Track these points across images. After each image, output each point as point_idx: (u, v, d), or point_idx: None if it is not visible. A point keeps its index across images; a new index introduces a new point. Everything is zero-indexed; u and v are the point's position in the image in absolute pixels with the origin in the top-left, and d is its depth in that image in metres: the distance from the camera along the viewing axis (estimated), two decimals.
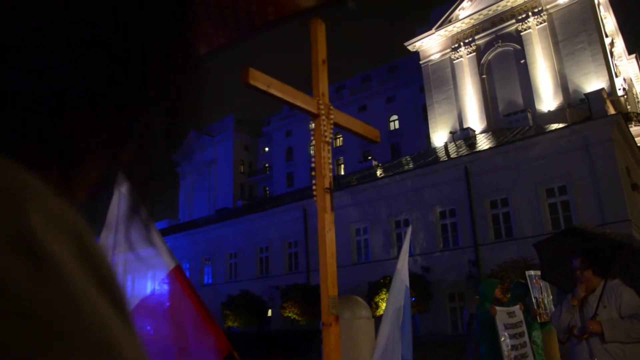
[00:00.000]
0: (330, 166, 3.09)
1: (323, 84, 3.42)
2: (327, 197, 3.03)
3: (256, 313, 30.74)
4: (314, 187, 3.11)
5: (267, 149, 66.12)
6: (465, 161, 26.66)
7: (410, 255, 23.26)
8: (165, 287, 2.91)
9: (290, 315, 27.87)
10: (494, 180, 25.10)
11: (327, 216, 3.03)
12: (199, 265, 40.30)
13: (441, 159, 29.23)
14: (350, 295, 5.54)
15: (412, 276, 24.03)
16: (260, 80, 2.98)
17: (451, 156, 28.79)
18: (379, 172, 32.31)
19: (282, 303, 28.33)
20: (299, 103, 3.19)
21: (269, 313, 32.30)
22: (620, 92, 37.31)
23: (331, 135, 3.19)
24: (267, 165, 65.83)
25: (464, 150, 29.03)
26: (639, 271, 4.16)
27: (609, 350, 3.80)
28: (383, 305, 20.23)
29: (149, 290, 3.03)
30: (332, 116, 3.30)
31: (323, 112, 3.27)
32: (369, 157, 39.52)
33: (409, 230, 3.70)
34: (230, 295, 31.56)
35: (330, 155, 3.09)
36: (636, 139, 29.54)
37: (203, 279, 39.99)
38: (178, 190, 70.24)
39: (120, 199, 1.44)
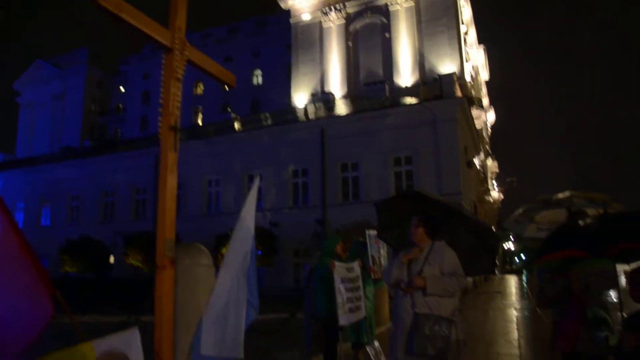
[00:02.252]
0: (179, 105, 2.94)
1: (180, 18, 3.22)
2: (172, 136, 2.88)
3: (97, 259, 29.22)
4: (160, 125, 2.95)
5: (122, 89, 61.86)
6: (322, 124, 27.32)
7: (260, 210, 23.45)
8: None
9: (133, 262, 26.92)
10: (348, 145, 26.09)
11: (170, 156, 2.89)
12: (36, 206, 37.34)
13: (300, 119, 29.66)
14: (192, 242, 5.43)
15: (260, 231, 24.43)
16: (111, 2, 2.73)
17: (309, 117, 29.33)
18: (237, 125, 31.95)
19: (125, 250, 27.25)
20: (152, 33, 2.98)
21: (111, 260, 30.95)
22: (468, 78, 40.31)
23: (183, 72, 3.02)
24: (120, 106, 61.72)
25: (322, 113, 29.68)
26: (465, 235, 4.58)
27: (428, 302, 4.17)
28: None
29: None
30: (186, 52, 3.12)
31: (177, 46, 3.08)
32: (229, 109, 38.85)
33: (257, 179, 3.67)
34: (69, 239, 29.64)
35: (179, 93, 2.93)
36: (475, 121, 32.31)
37: (40, 221, 37.16)
38: (16, 122, 63.88)
39: None
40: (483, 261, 4.58)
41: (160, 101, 2.93)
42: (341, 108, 30.23)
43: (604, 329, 3.67)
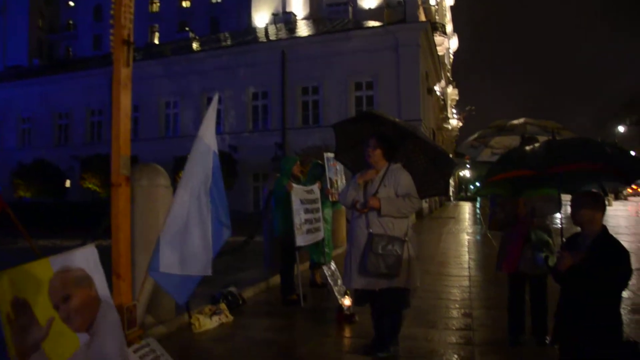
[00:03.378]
0: (131, 17, 2.81)
1: None
2: (125, 50, 2.78)
3: (52, 184, 28.60)
4: (112, 39, 2.83)
5: (71, 3, 58.32)
6: (283, 45, 26.71)
7: (219, 133, 23.10)
8: None
9: (90, 186, 26.53)
10: (309, 68, 25.69)
11: (124, 71, 2.80)
12: None
13: (260, 40, 28.87)
14: (149, 163, 5.38)
15: (219, 154, 24.09)
16: None
17: (270, 38, 28.59)
18: (195, 45, 30.92)
19: (81, 174, 26.75)
20: None
21: (67, 184, 30.37)
22: (432, 2, 39.70)
23: None
24: (71, 22, 58.36)
25: (283, 35, 28.94)
26: (420, 158, 4.68)
27: (382, 222, 4.30)
28: None
29: None
30: None
31: None
32: (187, 28, 37.32)
33: (216, 97, 3.59)
34: (22, 163, 28.80)
35: (132, 4, 2.80)
36: (437, 47, 32.12)
37: None
38: None
39: None
40: (437, 184, 4.71)
41: (112, 12, 2.80)
42: (303, 29, 29.50)
43: (545, 251, 3.89)
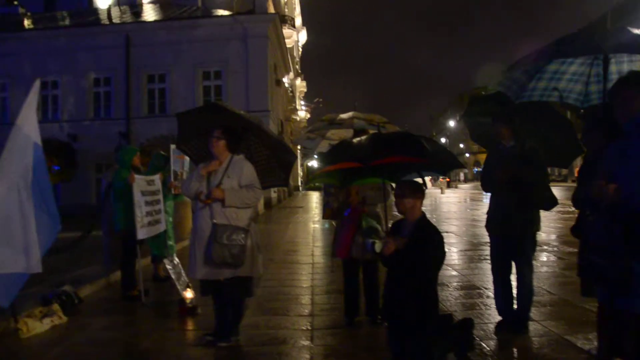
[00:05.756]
0: None
1: None
2: None
3: None
4: None
5: None
6: (127, 29, 25.31)
7: (56, 120, 21.39)
8: None
9: None
10: (155, 55, 24.66)
11: None
12: None
13: (102, 22, 27.08)
14: None
15: (57, 144, 22.44)
16: None
17: (114, 21, 26.94)
18: (27, 23, 28.15)
19: None
20: None
21: None
22: None
23: None
24: None
25: (128, 18, 27.44)
26: (263, 150, 4.80)
27: (226, 213, 4.38)
28: None
29: None
30: None
31: None
32: (15, 3, 33.81)
33: (37, 82, 3.36)
34: None
35: None
36: (286, 40, 32.67)
37: None
38: None
39: None
40: (278, 175, 4.87)
41: None
42: (149, 14, 28.19)
43: (374, 237, 4.20)
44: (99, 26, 26.18)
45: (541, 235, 11.31)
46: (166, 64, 24.70)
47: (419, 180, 3.77)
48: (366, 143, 3.61)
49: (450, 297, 6.35)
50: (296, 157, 5.29)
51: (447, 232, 13.31)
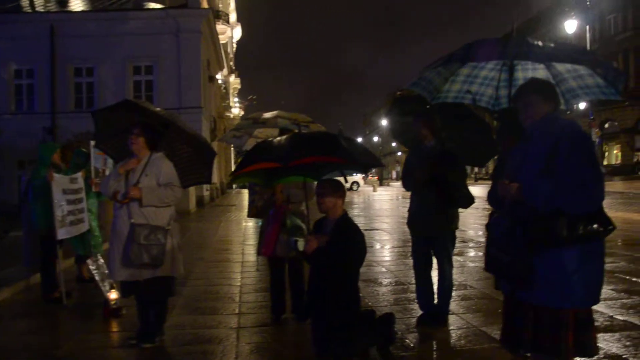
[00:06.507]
0: None
1: None
2: None
3: None
4: None
5: None
6: (52, 19, 24.18)
7: None
8: None
9: None
10: (82, 47, 23.69)
11: None
12: None
13: (25, 10, 25.76)
14: None
15: None
16: None
17: (37, 9, 25.68)
18: None
19: None
20: None
21: None
22: None
23: None
24: None
25: (53, 6, 26.23)
26: (182, 148, 4.74)
27: (145, 212, 4.29)
28: None
29: None
30: None
31: None
32: None
33: None
34: None
35: None
36: (220, 36, 32.28)
37: None
38: None
39: None
40: (201, 173, 4.83)
41: None
42: (76, 4, 27.07)
43: (298, 235, 4.25)
44: (21, 14, 24.86)
45: (468, 232, 11.78)
46: (94, 56, 23.83)
47: (341, 178, 3.86)
48: (285, 143, 3.64)
49: (376, 293, 6.50)
50: (216, 153, 5.26)
51: (377, 229, 13.58)
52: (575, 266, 2.52)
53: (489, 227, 3.10)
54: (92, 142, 7.13)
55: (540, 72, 3.58)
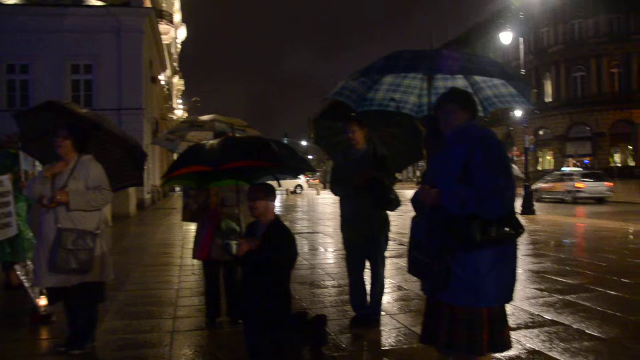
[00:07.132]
0: None
1: None
2: None
3: None
4: None
5: None
6: None
7: None
8: None
9: None
10: (16, 43, 22.74)
11: None
12: None
13: None
14: None
15: None
16: None
17: None
18: None
19: None
20: None
21: None
22: None
23: None
24: None
25: None
26: (112, 150, 4.66)
27: (72, 217, 4.17)
28: None
29: None
30: None
31: None
32: None
33: None
34: None
35: None
36: (164, 36, 31.72)
37: None
38: None
39: None
40: (133, 175, 4.76)
41: None
42: None
43: (233, 238, 4.26)
44: None
45: (407, 235, 12.03)
46: (30, 53, 23.00)
47: (274, 182, 3.91)
48: (216, 147, 3.66)
49: (313, 295, 6.58)
50: (147, 155, 5.20)
51: (320, 233, 13.68)
52: (488, 267, 2.66)
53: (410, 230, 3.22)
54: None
55: (459, 81, 3.76)
